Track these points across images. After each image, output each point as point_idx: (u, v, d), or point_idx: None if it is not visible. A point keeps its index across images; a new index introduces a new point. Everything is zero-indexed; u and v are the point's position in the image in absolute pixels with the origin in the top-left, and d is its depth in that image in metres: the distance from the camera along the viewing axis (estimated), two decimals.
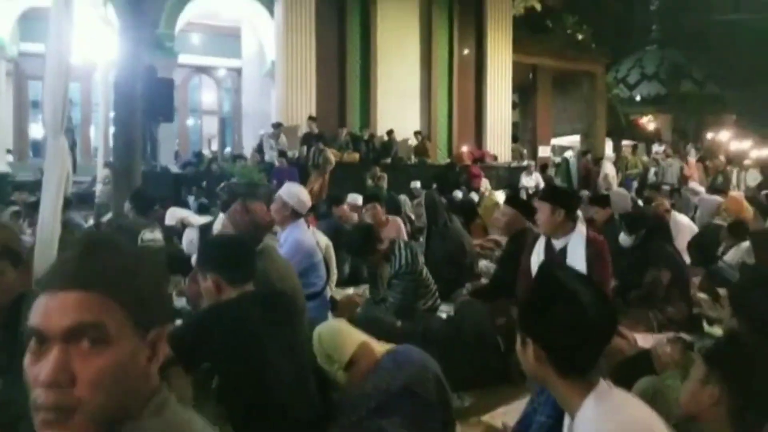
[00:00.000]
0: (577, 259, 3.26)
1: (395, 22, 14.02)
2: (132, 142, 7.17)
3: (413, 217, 8.44)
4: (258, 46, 15.17)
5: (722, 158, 18.32)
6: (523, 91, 17.61)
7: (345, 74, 13.57)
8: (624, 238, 4.29)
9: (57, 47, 3.29)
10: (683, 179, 15.43)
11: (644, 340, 3.80)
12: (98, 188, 8.88)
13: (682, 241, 6.02)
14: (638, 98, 29.44)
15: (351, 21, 13.75)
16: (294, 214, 3.89)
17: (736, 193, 8.30)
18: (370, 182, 12.16)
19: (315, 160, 11.70)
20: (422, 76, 14.42)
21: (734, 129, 28.92)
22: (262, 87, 15.48)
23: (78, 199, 8.56)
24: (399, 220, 6.40)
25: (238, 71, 17.25)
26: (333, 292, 4.70)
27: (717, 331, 3.54)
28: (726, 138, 26.80)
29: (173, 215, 7.24)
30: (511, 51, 15.55)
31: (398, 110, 13.98)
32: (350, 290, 4.91)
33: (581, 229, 3.37)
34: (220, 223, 4.69)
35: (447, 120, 14.81)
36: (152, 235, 4.33)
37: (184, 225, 7.36)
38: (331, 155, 11.64)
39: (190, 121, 19.78)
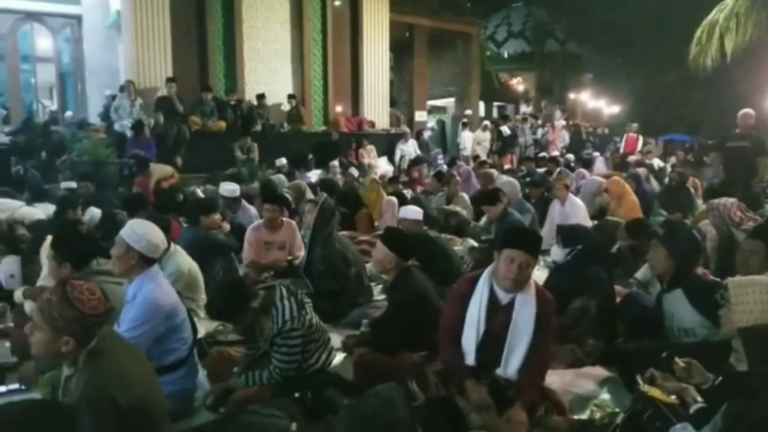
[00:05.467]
0: (526, 318, 2.82)
1: None
2: None
3: (290, 198, 7.56)
4: None
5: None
6: (399, 53, 16.92)
7: (205, 31, 11.93)
8: (556, 252, 3.88)
9: None
10: (546, 145, 15.79)
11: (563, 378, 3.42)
12: None
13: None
14: (506, 55, 30.12)
15: None
16: (143, 261, 2.95)
17: (617, 176, 8.32)
18: (239, 154, 11.04)
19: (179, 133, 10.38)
20: (293, 35, 13.18)
21: (592, 88, 30.62)
22: (107, 40, 13.44)
23: None
24: (293, 224, 5.52)
25: (78, 19, 14.80)
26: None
27: None
28: (585, 98, 28.25)
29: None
30: (387, 8, 14.68)
31: (268, 73, 12.76)
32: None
33: (531, 282, 2.89)
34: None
35: (322, 83, 13.77)
36: None
37: (10, 226, 5.98)
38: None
39: (25, 67, 16.60)
